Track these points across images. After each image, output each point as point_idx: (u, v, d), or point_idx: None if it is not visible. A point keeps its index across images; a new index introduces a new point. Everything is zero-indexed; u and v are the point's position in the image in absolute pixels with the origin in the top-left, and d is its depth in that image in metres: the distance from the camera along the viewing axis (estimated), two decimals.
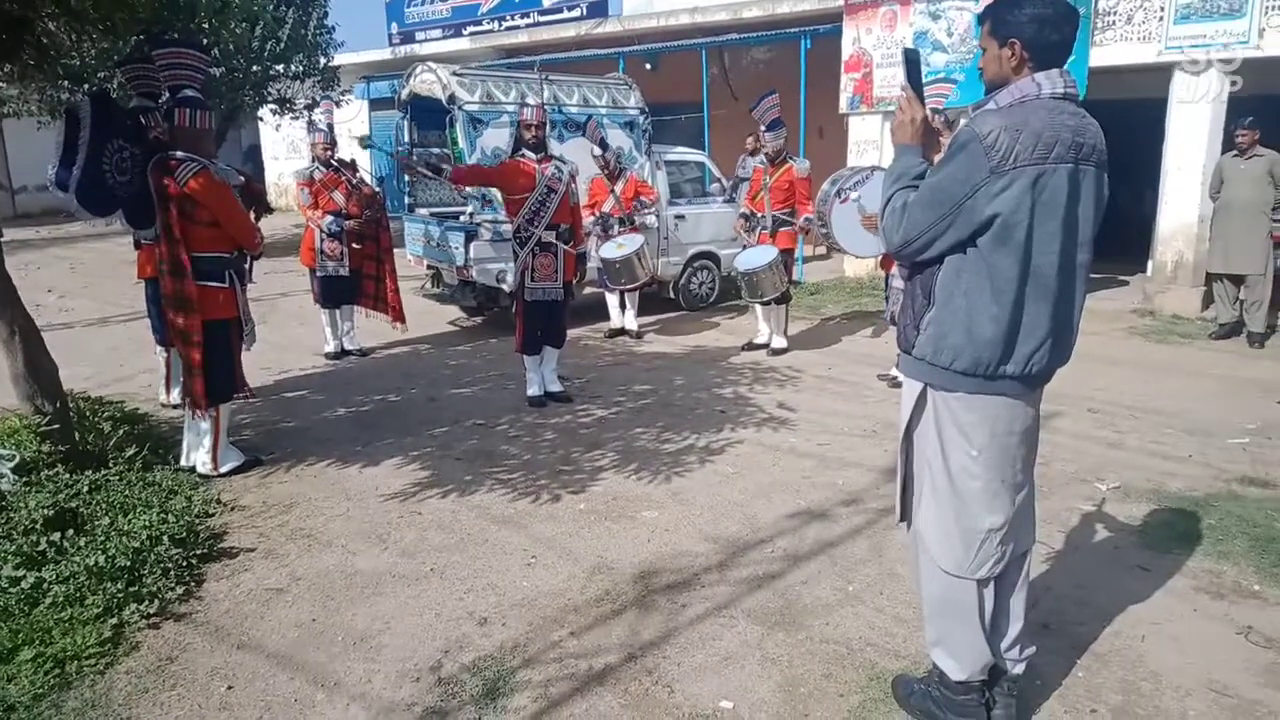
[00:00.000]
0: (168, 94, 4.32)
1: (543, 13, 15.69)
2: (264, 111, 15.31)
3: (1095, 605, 3.27)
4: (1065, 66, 2.25)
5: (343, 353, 7.44)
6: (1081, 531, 3.93)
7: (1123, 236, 10.45)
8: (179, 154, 4.23)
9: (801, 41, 10.63)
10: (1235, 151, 7.55)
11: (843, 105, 10.51)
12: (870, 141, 10.35)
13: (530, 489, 4.40)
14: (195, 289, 4.32)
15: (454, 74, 7.93)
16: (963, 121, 2.45)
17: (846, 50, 10.35)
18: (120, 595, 3.12)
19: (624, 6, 14.64)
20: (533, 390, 5.98)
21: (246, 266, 4.62)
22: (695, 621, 3.14)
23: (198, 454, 4.57)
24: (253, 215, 4.71)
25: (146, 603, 3.14)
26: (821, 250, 12.79)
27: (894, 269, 5.65)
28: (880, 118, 10.16)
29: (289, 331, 8.54)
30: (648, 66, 13.74)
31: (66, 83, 12.11)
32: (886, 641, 3.02)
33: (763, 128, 6.96)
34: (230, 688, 2.76)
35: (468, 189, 7.81)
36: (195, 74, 4.29)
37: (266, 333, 8.48)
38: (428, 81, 8.21)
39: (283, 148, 22.58)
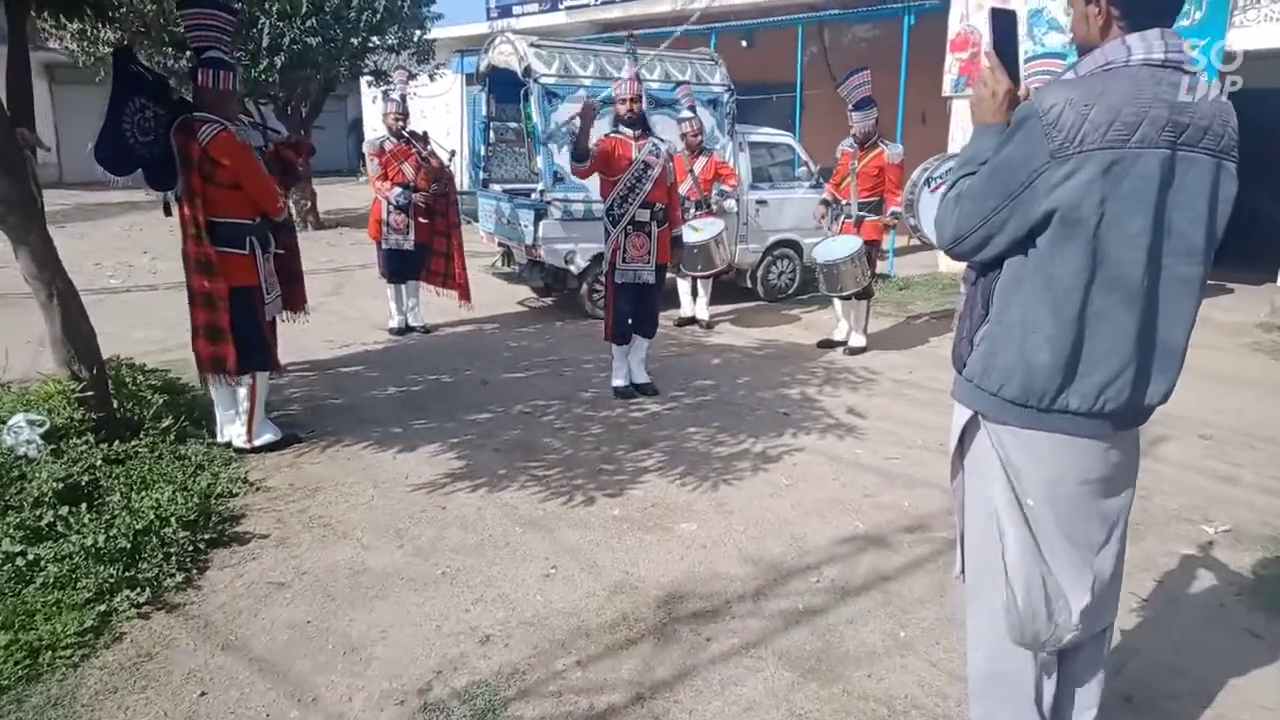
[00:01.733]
0: (193, 54, 4.21)
1: None
2: (364, 85, 15.46)
3: (1192, 676, 2.78)
4: (1171, 27, 1.78)
5: (406, 329, 7.32)
6: (1181, 582, 3.41)
7: (1251, 240, 9.45)
8: (201, 115, 4.09)
9: (904, 18, 9.98)
10: None
11: (946, 87, 9.84)
12: None
13: (564, 488, 4.12)
14: (216, 254, 4.19)
15: (531, 45, 7.66)
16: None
17: (953, 28, 9.66)
18: (114, 580, 2.97)
19: None
20: (619, 380, 5.69)
21: (269, 233, 4.47)
22: (718, 660, 2.80)
23: (233, 427, 4.46)
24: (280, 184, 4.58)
25: (140, 590, 2.98)
26: (915, 241, 12.11)
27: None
28: None
29: (360, 304, 8.50)
30: (743, 44, 13.22)
31: (171, 49, 12.34)
32: (936, 704, 2.62)
33: (849, 106, 6.44)
34: (203, 694, 2.56)
35: (539, 164, 7.59)
36: (222, 35, 4.18)
37: (338, 304, 8.50)
38: (505, 53, 7.98)
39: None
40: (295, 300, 5.19)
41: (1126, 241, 1.73)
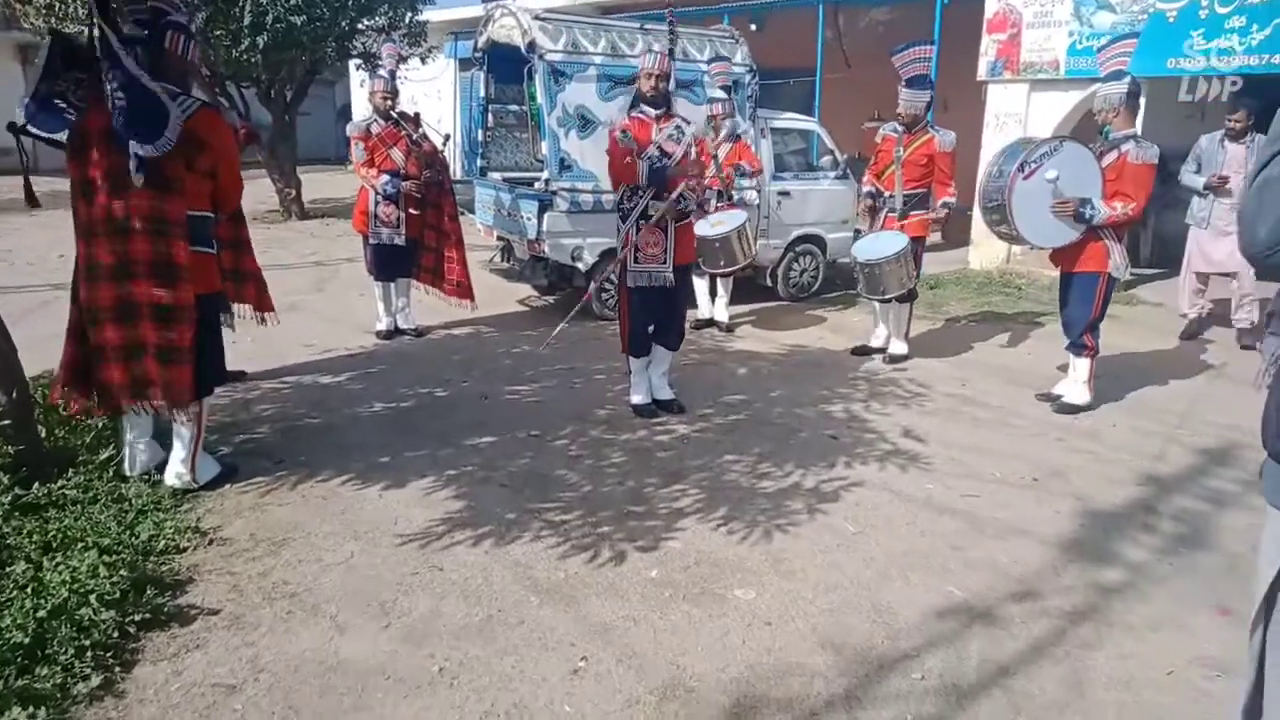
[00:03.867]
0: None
1: None
2: (352, 69, 14.65)
3: None
4: None
5: (395, 331, 6.58)
6: None
7: None
8: (166, 86, 3.35)
9: None
10: None
11: (981, 71, 9.11)
12: (1012, 114, 8.94)
13: (587, 539, 3.38)
14: (188, 254, 3.44)
15: (536, 18, 6.90)
16: None
17: (991, 7, 8.93)
18: (1, 694, 2.22)
19: None
20: (638, 398, 4.97)
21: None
22: None
23: (171, 463, 3.66)
24: None
25: (34, 707, 2.22)
26: (935, 237, 11.39)
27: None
28: (1027, 86, 8.73)
29: (345, 302, 7.74)
30: (753, 27, 12.47)
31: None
32: None
33: (901, 82, 5.68)
34: None
35: (544, 150, 6.86)
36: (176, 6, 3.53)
37: (320, 302, 7.73)
38: (507, 27, 7.20)
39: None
40: (259, 300, 4.45)
41: None
